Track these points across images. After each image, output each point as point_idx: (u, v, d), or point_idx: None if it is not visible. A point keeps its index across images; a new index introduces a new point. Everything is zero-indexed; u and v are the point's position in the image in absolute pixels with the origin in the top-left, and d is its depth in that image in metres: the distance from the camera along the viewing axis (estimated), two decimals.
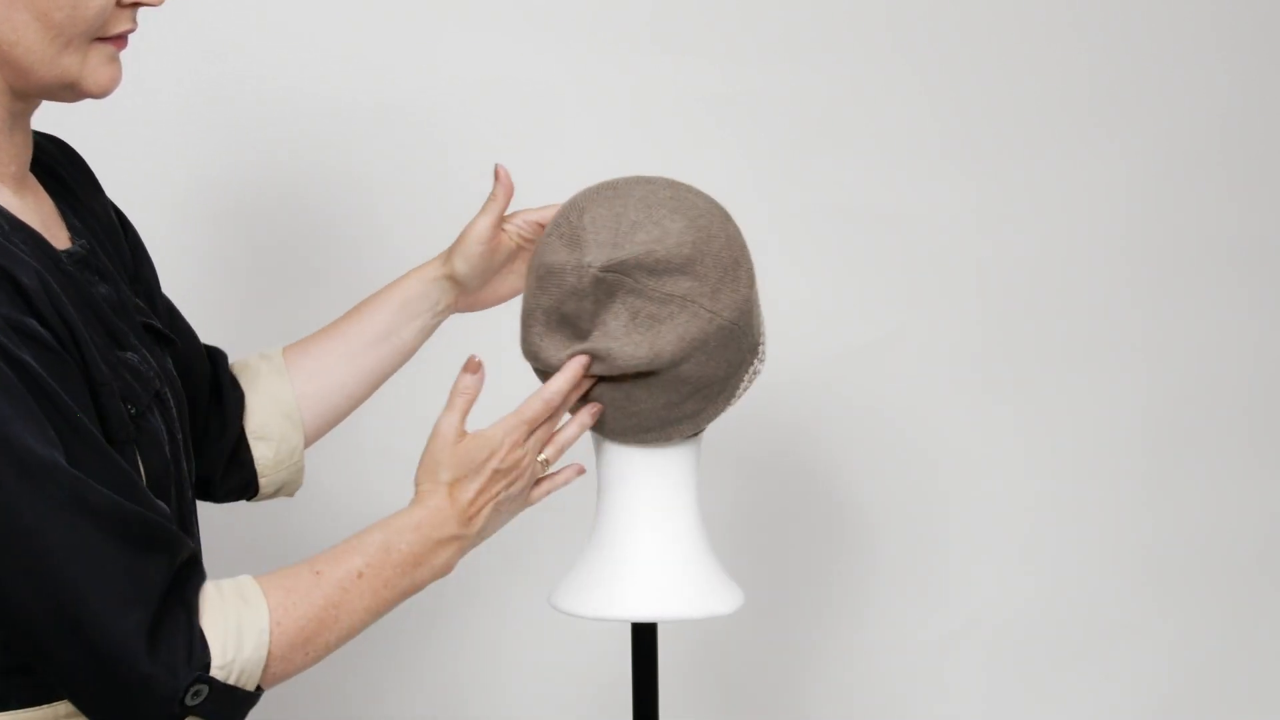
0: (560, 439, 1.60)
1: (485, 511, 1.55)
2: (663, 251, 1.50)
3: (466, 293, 1.75)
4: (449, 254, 1.73)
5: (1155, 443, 2.64)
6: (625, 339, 1.51)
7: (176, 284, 2.28)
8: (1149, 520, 2.64)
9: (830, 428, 2.53)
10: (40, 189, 1.47)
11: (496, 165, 1.71)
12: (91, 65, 1.39)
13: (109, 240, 1.54)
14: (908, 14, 2.50)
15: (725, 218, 1.58)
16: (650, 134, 2.42)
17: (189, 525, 1.52)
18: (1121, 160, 2.59)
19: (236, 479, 1.72)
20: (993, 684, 2.60)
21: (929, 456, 2.56)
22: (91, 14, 1.36)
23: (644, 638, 1.69)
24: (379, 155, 2.35)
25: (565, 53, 2.39)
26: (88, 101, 1.43)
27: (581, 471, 1.65)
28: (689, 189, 1.59)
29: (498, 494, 1.56)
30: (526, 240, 1.73)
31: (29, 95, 1.39)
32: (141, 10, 1.41)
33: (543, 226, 1.70)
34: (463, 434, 1.55)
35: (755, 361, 1.59)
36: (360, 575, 1.46)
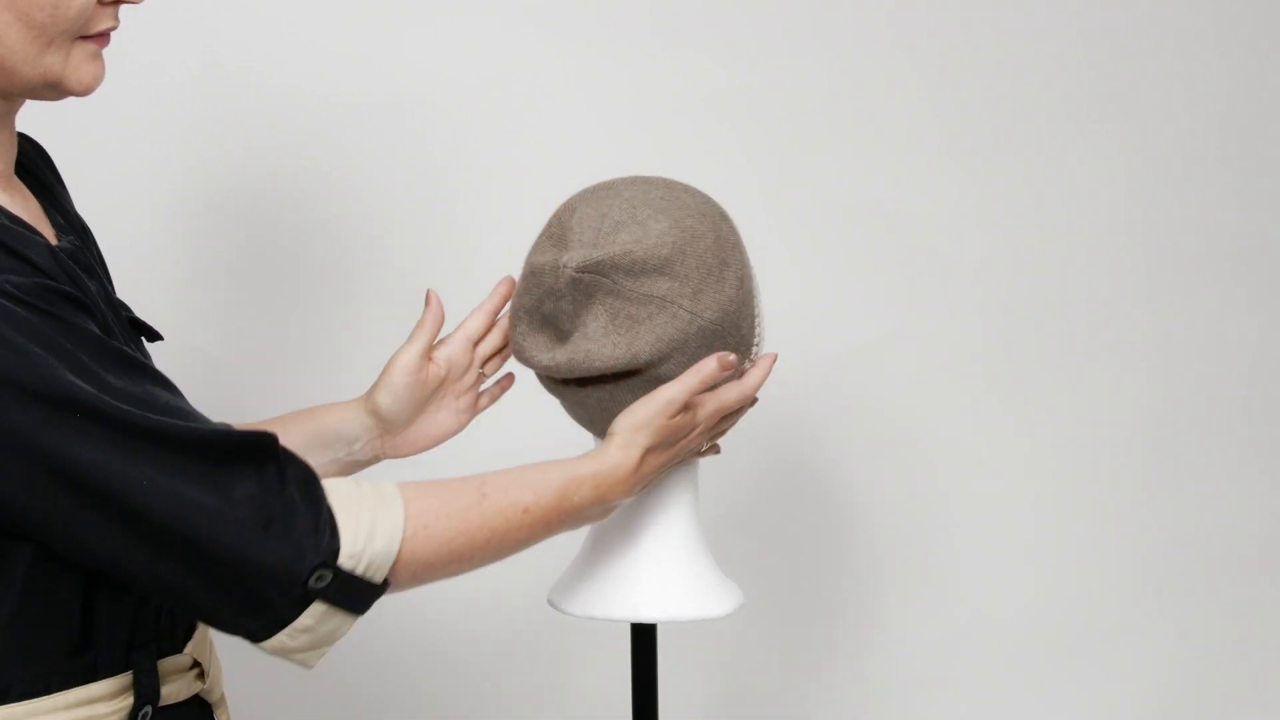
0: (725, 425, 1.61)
1: (659, 467, 1.54)
2: (640, 252, 1.49)
3: (391, 431, 1.68)
4: (373, 387, 1.67)
5: (1155, 442, 2.63)
6: (604, 340, 1.51)
7: (166, 281, 2.29)
8: (1149, 520, 2.64)
9: (830, 427, 2.52)
10: (24, 188, 1.48)
11: (428, 290, 1.66)
12: (74, 64, 1.38)
13: (87, 237, 1.54)
14: (908, 11, 2.50)
15: (718, 218, 1.57)
16: (650, 132, 2.42)
17: None
18: (1121, 158, 2.59)
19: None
20: (993, 684, 2.59)
21: (929, 456, 2.56)
22: (73, 13, 1.36)
23: (644, 638, 1.69)
24: (376, 154, 2.34)
25: (565, 49, 2.39)
26: (78, 98, 1.42)
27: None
28: (685, 189, 1.58)
29: (678, 448, 1.55)
30: (460, 369, 1.68)
31: (12, 95, 1.40)
32: (129, 6, 1.41)
33: (475, 344, 1.68)
34: (688, 404, 1.51)
35: (746, 363, 1.58)
36: (526, 510, 1.44)
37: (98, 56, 1.40)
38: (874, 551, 2.56)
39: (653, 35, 2.42)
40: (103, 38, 1.40)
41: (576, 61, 2.40)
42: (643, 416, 1.50)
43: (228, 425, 1.34)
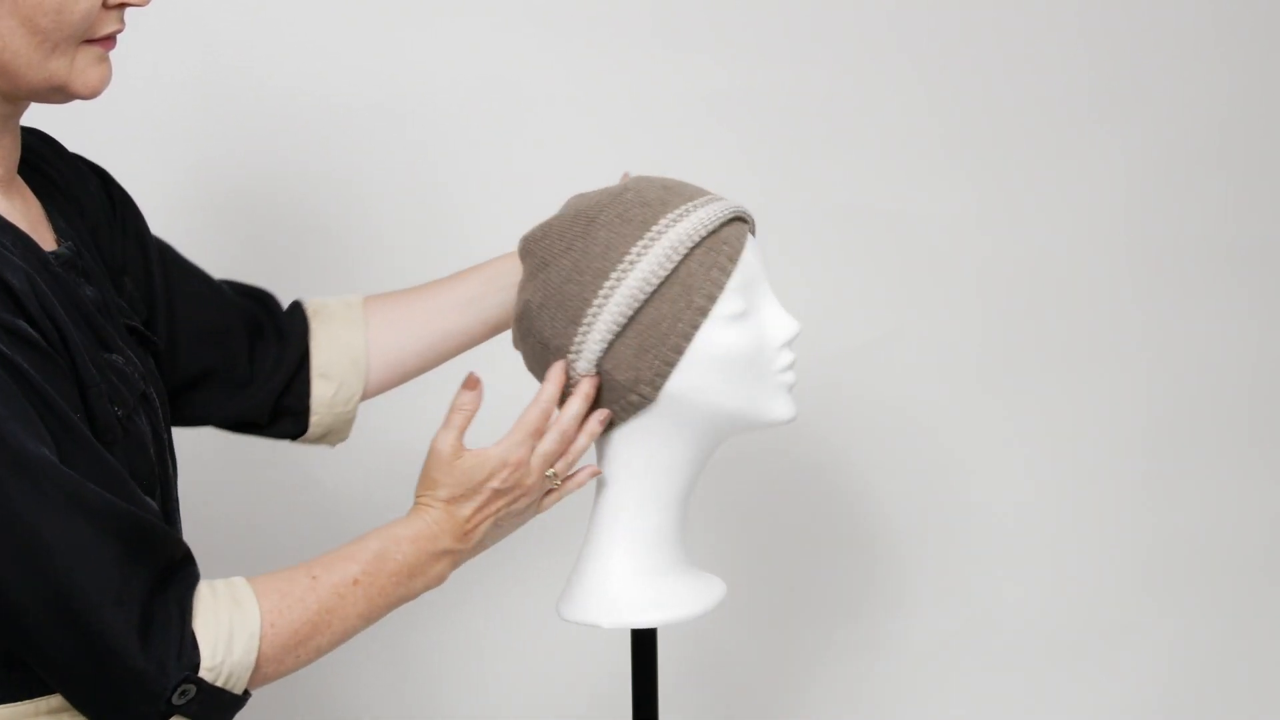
0: (573, 452, 1.59)
1: (483, 527, 1.56)
2: (539, 229, 1.62)
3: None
4: None
5: (1156, 442, 2.63)
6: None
7: None
8: (1150, 520, 2.63)
9: (829, 427, 2.52)
10: (28, 191, 1.48)
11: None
12: (79, 67, 1.38)
13: (96, 236, 1.54)
14: (909, 12, 2.50)
15: (598, 224, 1.58)
16: (650, 133, 2.42)
17: (174, 524, 1.52)
18: (1122, 159, 2.59)
19: (289, 415, 1.73)
20: (993, 683, 2.59)
21: (928, 456, 2.56)
22: (77, 18, 1.36)
23: (644, 640, 1.69)
24: (376, 155, 2.34)
25: (564, 50, 2.39)
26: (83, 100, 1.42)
27: (596, 473, 1.63)
28: (624, 189, 1.61)
29: (497, 511, 1.56)
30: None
31: (17, 98, 1.39)
32: (131, 9, 1.41)
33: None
34: (460, 451, 1.54)
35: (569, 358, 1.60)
36: (356, 582, 1.47)
37: (104, 60, 1.40)
38: (874, 551, 2.56)
39: (653, 36, 2.42)
40: (109, 41, 1.40)
41: (576, 62, 2.40)
42: (426, 474, 1.55)
43: (142, 510, 1.34)
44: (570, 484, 1.61)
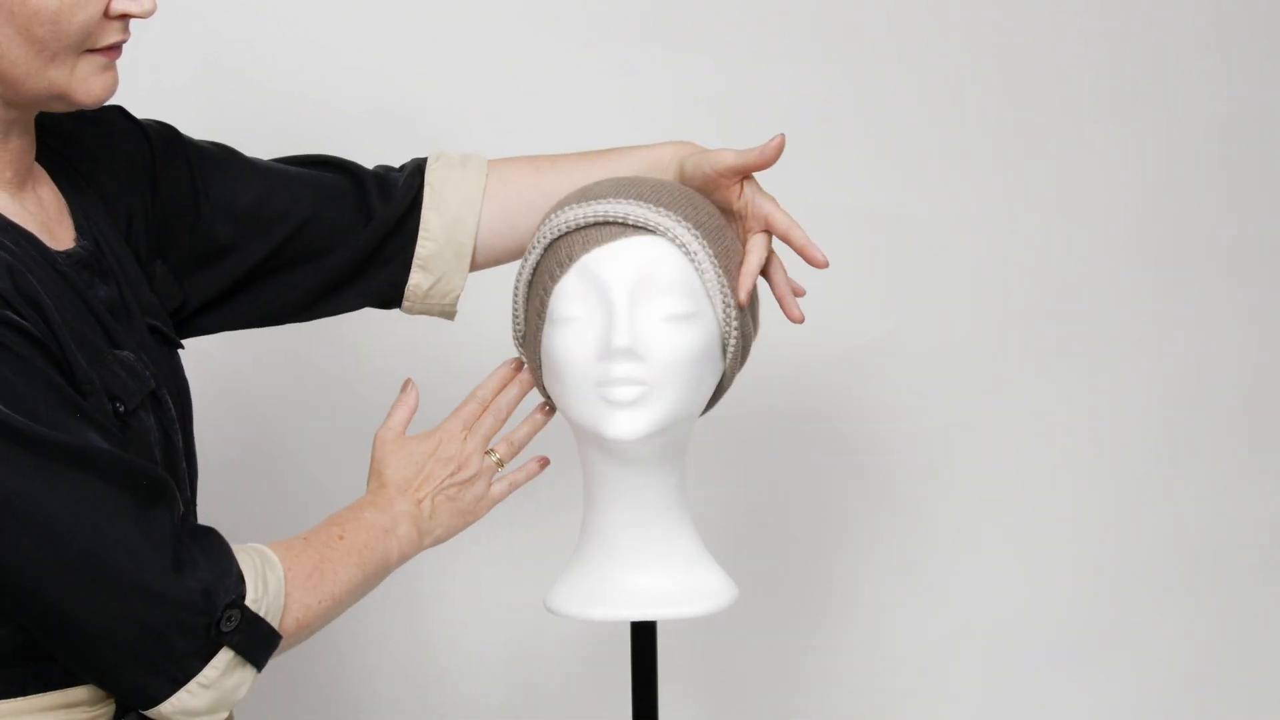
0: (514, 437, 1.68)
1: (435, 500, 1.62)
2: None
3: None
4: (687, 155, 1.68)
5: (1155, 443, 2.63)
6: None
7: None
8: (1149, 520, 2.63)
9: (828, 427, 2.52)
10: (49, 187, 1.47)
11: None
12: (80, 76, 1.38)
13: (131, 224, 1.55)
14: (907, 14, 2.50)
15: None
16: (649, 134, 2.41)
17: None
18: (1121, 160, 2.59)
19: (380, 292, 1.73)
20: (992, 684, 2.59)
21: (927, 455, 2.56)
22: (75, 28, 1.35)
23: (644, 638, 1.69)
24: (374, 155, 2.34)
25: (564, 51, 2.39)
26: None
27: (545, 463, 1.71)
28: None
29: (443, 482, 1.62)
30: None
31: (20, 106, 1.39)
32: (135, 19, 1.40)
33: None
34: (402, 438, 1.64)
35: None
36: (341, 538, 1.51)
37: (108, 68, 1.39)
38: (874, 551, 2.56)
39: (653, 38, 2.42)
40: (113, 50, 1.39)
41: (575, 63, 2.40)
42: (373, 464, 1.64)
43: (143, 462, 1.35)
44: (520, 474, 1.69)
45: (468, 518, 1.65)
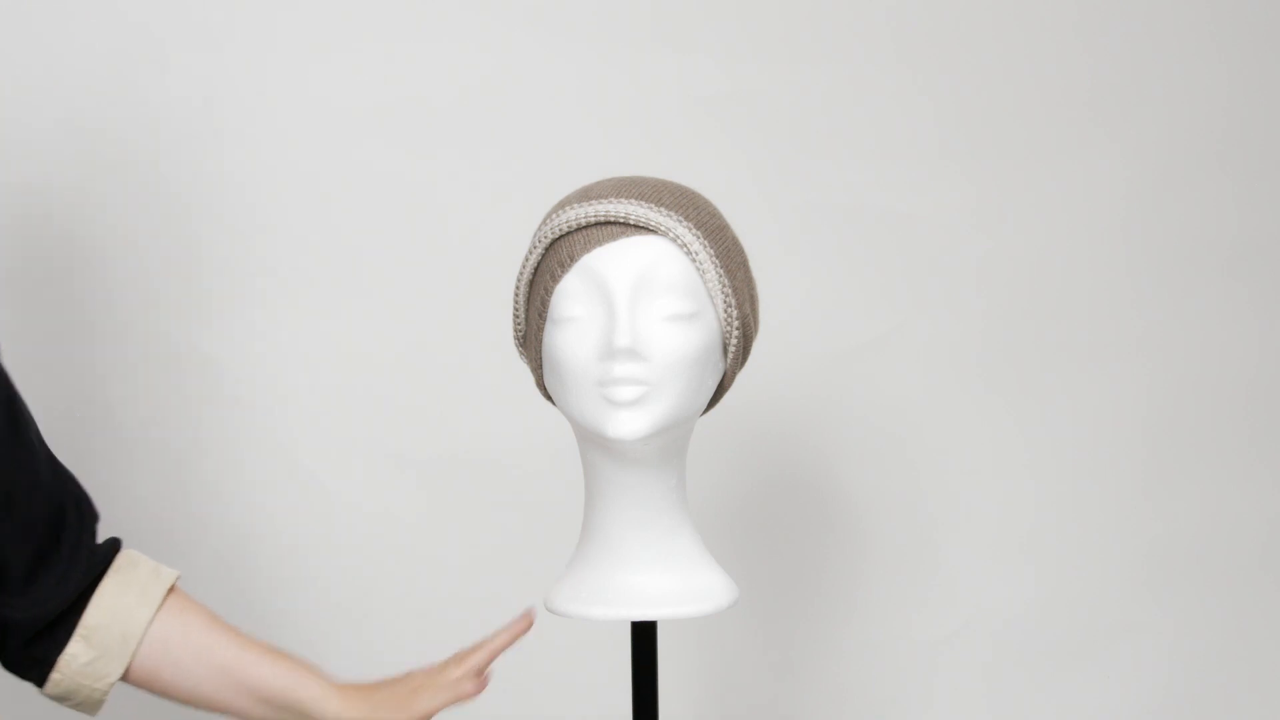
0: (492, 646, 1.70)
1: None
2: None
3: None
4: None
5: (1155, 442, 2.63)
6: None
7: (170, 290, 2.29)
8: (1149, 520, 2.63)
9: (828, 427, 2.52)
10: None
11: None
12: None
13: None
14: (908, 14, 2.50)
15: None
16: (650, 134, 2.42)
17: None
18: (1122, 160, 2.59)
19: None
20: (992, 684, 2.59)
21: (928, 456, 2.56)
22: None
23: (644, 638, 1.69)
24: (373, 156, 2.34)
25: (563, 51, 2.39)
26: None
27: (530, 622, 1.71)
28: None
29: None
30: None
31: None
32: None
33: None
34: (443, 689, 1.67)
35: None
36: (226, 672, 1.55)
37: None
38: (874, 551, 2.56)
39: (653, 38, 2.42)
40: None
41: (575, 64, 2.39)
42: (390, 697, 1.65)
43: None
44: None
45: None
